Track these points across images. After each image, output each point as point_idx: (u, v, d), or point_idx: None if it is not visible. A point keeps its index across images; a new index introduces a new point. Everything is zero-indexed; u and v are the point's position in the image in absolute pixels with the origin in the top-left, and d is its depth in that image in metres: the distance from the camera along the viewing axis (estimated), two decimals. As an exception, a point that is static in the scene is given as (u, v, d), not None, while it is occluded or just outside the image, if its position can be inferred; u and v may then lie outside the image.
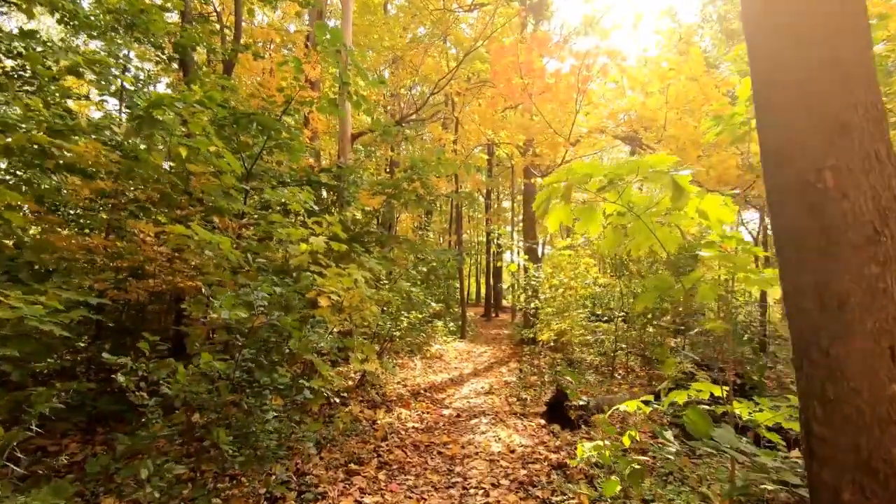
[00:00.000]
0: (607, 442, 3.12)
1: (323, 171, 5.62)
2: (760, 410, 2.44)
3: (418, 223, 19.24)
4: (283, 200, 4.31)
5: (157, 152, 4.46)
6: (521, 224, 17.84)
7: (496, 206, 24.83)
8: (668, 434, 3.52)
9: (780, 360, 9.18)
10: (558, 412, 4.86)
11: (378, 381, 5.70)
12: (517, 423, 4.85)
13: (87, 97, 5.95)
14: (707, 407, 2.47)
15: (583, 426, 4.73)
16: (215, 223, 4.30)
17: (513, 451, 4.03)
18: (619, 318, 9.88)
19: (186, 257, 3.40)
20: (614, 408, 3.10)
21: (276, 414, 2.80)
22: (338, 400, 5.03)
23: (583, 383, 7.22)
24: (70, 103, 4.91)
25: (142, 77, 6.33)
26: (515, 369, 8.52)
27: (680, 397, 2.52)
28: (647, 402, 2.69)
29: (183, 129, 4.48)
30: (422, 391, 6.40)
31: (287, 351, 2.83)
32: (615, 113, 8.80)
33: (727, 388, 2.43)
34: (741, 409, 2.36)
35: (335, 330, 4.28)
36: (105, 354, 2.27)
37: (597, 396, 5.79)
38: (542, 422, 4.91)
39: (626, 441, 3.09)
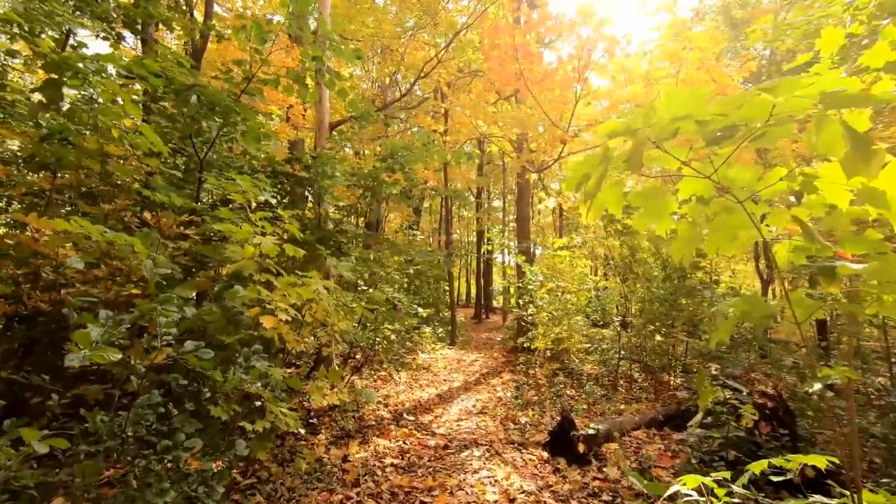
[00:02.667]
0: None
1: (291, 160, 4.82)
2: None
3: (407, 223, 18.49)
4: (239, 191, 3.52)
5: (106, 135, 3.65)
6: (513, 224, 17.16)
7: (487, 205, 24.13)
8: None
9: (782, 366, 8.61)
10: (563, 443, 4.13)
11: (351, 407, 4.91)
12: (516, 458, 4.10)
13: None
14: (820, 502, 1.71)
15: (593, 460, 4.00)
16: (145, 220, 3.49)
17: (513, 501, 3.28)
18: (619, 325, 9.23)
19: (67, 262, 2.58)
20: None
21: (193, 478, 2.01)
22: (302, 431, 4.25)
23: (585, 398, 6.52)
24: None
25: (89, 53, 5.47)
26: (510, 381, 7.79)
27: (757, 467, 1.78)
28: (719, 482, 1.86)
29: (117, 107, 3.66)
30: (405, 412, 5.63)
31: (208, 394, 2.05)
32: (617, 103, 8.09)
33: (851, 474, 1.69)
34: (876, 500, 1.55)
35: (298, 348, 3.49)
36: None
37: (606, 418, 5.08)
38: (545, 454, 4.18)
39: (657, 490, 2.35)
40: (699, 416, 3.02)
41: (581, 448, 3.98)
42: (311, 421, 4.85)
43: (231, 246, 2.70)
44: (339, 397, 3.19)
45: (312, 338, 3.79)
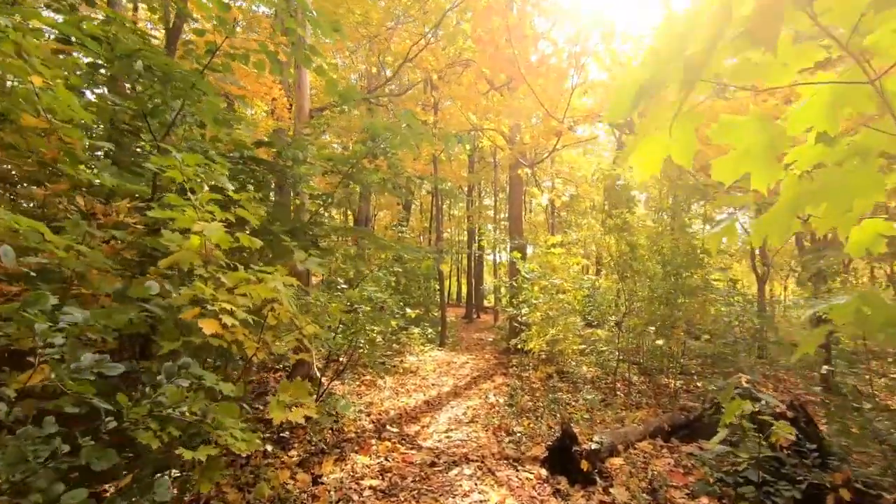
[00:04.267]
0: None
1: (260, 143, 4.31)
2: None
3: (396, 221, 17.99)
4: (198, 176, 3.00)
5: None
6: (504, 223, 16.75)
7: (478, 202, 23.70)
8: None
9: (782, 365, 8.29)
10: (564, 459, 3.69)
11: (326, 421, 4.42)
12: (511, 477, 3.65)
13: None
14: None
15: (597, 479, 3.56)
16: (78, 205, 2.97)
17: (509, 533, 2.83)
18: (615, 325, 8.85)
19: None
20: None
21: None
22: (269, 448, 3.75)
23: (583, 404, 6.10)
24: None
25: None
26: (502, 386, 7.35)
27: None
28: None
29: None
30: (389, 422, 5.16)
31: (112, 425, 1.57)
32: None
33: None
34: None
35: (259, 356, 3.00)
36: None
37: (608, 429, 4.65)
38: (544, 472, 3.73)
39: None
40: (723, 433, 2.60)
41: (584, 465, 3.54)
42: (282, 435, 4.36)
43: (168, 234, 2.20)
44: (306, 413, 2.71)
45: (280, 343, 3.30)
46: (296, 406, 2.67)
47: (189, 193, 2.53)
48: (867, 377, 8.15)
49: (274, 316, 2.99)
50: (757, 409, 2.91)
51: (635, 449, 4.32)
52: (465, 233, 23.41)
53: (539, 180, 16.06)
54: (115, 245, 3.21)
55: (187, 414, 1.76)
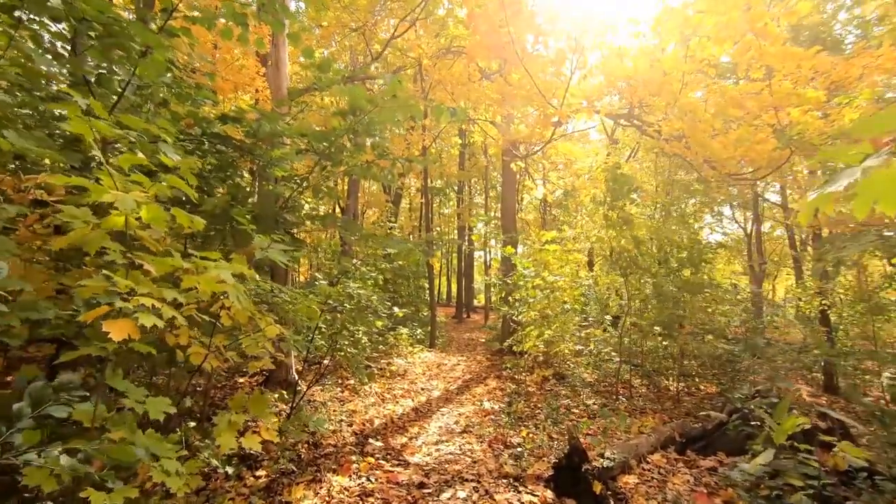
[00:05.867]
0: None
1: (226, 117, 3.75)
2: None
3: (384, 215, 17.46)
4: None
5: None
6: (495, 220, 16.28)
7: (468, 200, 23.22)
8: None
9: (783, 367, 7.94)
10: (573, 479, 3.21)
11: (296, 434, 3.89)
12: (512, 501, 3.16)
13: None
14: None
15: (611, 502, 3.09)
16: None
17: (514, 579, 2.34)
18: (612, 323, 8.41)
19: None
20: None
21: None
22: (230, 471, 3.21)
23: (585, 409, 5.65)
24: None
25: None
26: (496, 390, 6.87)
27: None
28: None
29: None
30: (373, 433, 4.64)
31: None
32: (615, 78, 7.18)
33: None
34: None
35: (212, 363, 2.46)
36: None
37: (616, 440, 4.19)
38: (549, 494, 3.25)
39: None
40: (769, 454, 2.14)
41: (597, 487, 3.07)
42: (250, 451, 3.82)
43: (71, 209, 1.67)
44: (265, 437, 2.19)
45: (242, 346, 2.77)
46: (252, 430, 2.15)
47: (103, 158, 1.98)
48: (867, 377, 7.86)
49: (228, 315, 2.46)
50: (813, 426, 2.46)
51: (648, 463, 3.87)
52: (456, 231, 22.94)
53: (533, 174, 15.63)
54: (36, 229, 2.66)
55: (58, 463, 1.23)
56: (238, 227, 2.47)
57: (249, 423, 3.45)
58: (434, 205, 23.83)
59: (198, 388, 3.62)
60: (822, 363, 7.86)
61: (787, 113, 5.48)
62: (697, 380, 7.18)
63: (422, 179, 14.71)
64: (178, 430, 2.35)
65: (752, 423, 3.53)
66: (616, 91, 7.38)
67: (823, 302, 7.45)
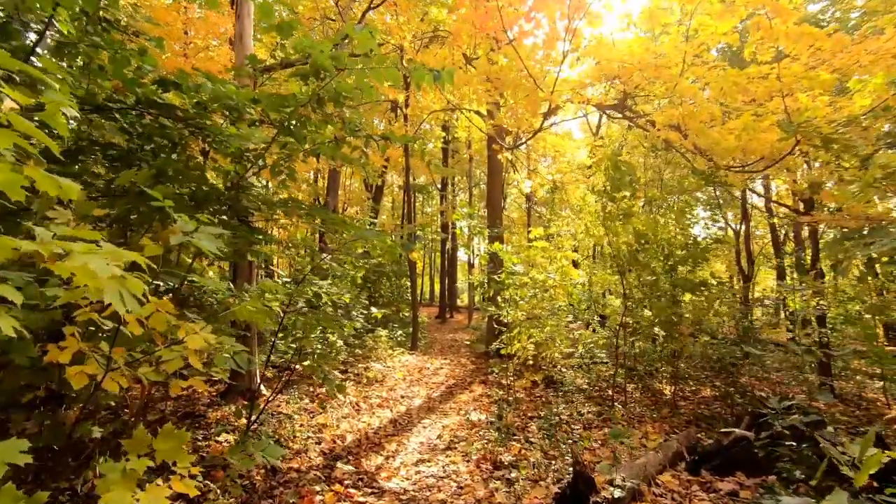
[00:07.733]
0: None
1: (164, 82, 3.11)
2: None
3: (365, 213, 16.79)
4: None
5: None
6: (480, 216, 15.77)
7: (451, 197, 22.68)
8: None
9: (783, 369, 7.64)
10: (579, 513, 2.69)
11: (244, 464, 3.26)
12: (507, 543, 2.62)
13: None
14: None
15: (625, 541, 2.58)
16: None
17: None
18: (605, 324, 7.99)
19: None
20: None
21: None
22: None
23: (579, 417, 5.16)
24: None
25: None
26: (483, 397, 6.34)
27: None
28: None
29: None
30: (344, 452, 4.05)
31: None
32: (608, 61, 6.64)
33: None
34: None
35: (112, 386, 1.85)
36: None
37: (621, 459, 3.69)
38: (550, 530, 2.72)
39: None
40: (841, 499, 1.64)
41: (608, 524, 2.55)
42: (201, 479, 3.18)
43: None
44: (179, 488, 1.59)
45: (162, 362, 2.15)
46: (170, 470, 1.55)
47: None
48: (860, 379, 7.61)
49: (140, 322, 1.86)
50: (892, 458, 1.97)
51: (659, 486, 3.38)
52: (439, 229, 22.37)
53: (519, 169, 15.17)
54: None
55: None
56: (154, 205, 1.88)
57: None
58: (417, 203, 23.24)
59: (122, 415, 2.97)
60: (817, 364, 7.57)
61: (794, 98, 5.11)
62: (692, 383, 6.80)
63: (404, 175, 14.10)
64: (57, 481, 1.74)
65: (783, 442, 3.08)
66: (608, 77, 6.88)
67: (821, 302, 7.14)
